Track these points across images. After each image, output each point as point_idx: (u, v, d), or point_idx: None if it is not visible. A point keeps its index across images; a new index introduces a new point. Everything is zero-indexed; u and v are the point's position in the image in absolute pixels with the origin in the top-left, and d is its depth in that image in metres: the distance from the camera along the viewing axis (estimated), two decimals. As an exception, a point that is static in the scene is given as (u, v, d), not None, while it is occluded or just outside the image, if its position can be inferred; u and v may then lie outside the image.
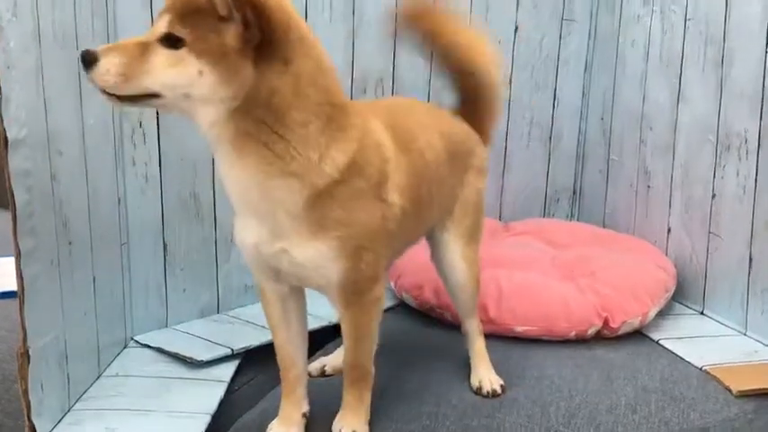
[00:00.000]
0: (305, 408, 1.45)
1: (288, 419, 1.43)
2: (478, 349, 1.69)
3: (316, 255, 1.22)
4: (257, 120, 1.13)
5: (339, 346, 1.72)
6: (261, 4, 1.09)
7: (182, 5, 1.11)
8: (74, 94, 1.51)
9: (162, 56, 1.11)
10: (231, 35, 1.10)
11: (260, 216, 1.22)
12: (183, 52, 1.10)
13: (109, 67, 1.11)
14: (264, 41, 1.11)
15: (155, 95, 1.14)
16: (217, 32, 1.10)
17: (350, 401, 1.40)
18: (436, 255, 1.64)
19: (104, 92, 1.15)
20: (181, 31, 1.10)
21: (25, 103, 1.30)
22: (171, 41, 1.11)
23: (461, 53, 1.62)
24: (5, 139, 1.25)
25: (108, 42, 1.65)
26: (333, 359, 1.70)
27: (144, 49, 1.12)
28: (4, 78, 1.24)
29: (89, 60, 1.11)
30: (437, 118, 1.60)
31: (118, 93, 1.13)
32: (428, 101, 2.40)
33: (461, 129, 1.64)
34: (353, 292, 1.30)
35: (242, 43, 1.10)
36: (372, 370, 1.41)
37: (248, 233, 1.26)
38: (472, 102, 1.67)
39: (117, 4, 1.69)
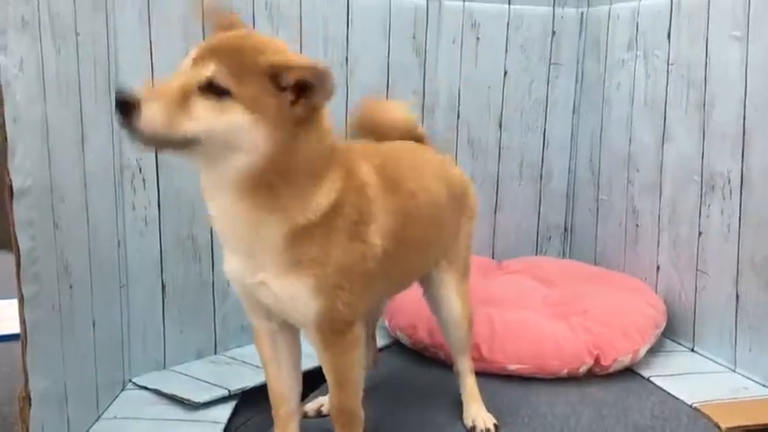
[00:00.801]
0: None
1: None
2: (470, 388, 1.72)
3: (292, 289, 1.26)
4: (271, 170, 1.18)
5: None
6: (328, 89, 1.15)
7: (233, 61, 1.13)
8: (76, 143, 1.56)
9: (207, 105, 1.12)
10: (286, 101, 1.15)
11: (245, 249, 1.26)
12: (229, 103, 1.12)
13: (154, 115, 1.09)
14: (310, 112, 1.18)
15: (193, 141, 1.14)
16: (272, 95, 1.14)
17: None
18: (430, 292, 1.67)
19: (139, 138, 1.11)
20: (228, 83, 1.12)
21: (30, 154, 1.35)
22: (214, 90, 1.12)
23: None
24: (11, 188, 1.30)
25: (110, 93, 1.71)
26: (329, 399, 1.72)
27: (185, 95, 1.11)
28: (11, 131, 1.29)
29: (130, 107, 1.08)
30: (435, 162, 1.64)
31: (160, 140, 1.12)
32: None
33: (457, 172, 1.70)
34: (331, 331, 1.32)
35: (292, 110, 1.16)
36: (361, 414, 1.42)
37: (234, 265, 1.30)
38: None
39: (118, 56, 1.75)
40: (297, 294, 1.26)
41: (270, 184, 1.19)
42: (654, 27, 2.25)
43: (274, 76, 1.14)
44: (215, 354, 2.03)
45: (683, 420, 1.71)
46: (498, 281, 2.43)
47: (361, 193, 1.32)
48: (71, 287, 1.53)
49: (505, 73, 2.56)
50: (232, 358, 2.01)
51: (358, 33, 2.24)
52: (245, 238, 1.25)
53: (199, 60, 1.14)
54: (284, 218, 1.22)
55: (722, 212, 2.01)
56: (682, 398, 1.81)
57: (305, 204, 1.23)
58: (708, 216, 2.06)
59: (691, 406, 1.77)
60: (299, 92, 1.15)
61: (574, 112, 2.65)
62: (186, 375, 1.90)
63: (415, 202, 1.44)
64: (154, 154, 1.85)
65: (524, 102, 2.60)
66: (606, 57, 2.48)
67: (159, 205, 1.88)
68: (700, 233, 2.09)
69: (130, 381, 1.86)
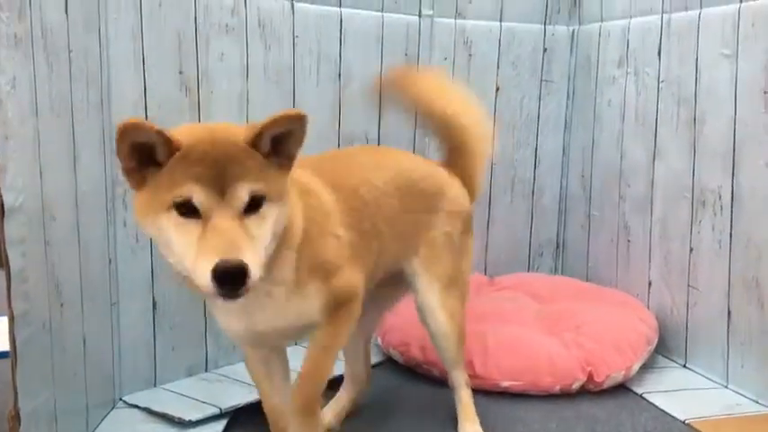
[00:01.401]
0: None
1: None
2: (465, 402, 1.71)
3: (301, 305, 1.31)
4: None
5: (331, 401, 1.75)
6: (302, 127, 1.18)
7: (246, 168, 1.12)
8: (68, 161, 1.56)
9: (255, 222, 1.12)
10: (275, 164, 1.18)
11: (253, 308, 1.28)
12: (265, 208, 1.14)
13: (257, 269, 1.07)
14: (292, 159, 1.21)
15: None
16: (279, 176, 1.18)
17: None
18: (416, 302, 1.66)
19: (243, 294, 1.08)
20: (259, 188, 1.13)
21: (22, 172, 1.34)
22: (253, 205, 1.13)
23: (446, 115, 1.70)
24: (2, 206, 1.29)
25: (102, 110, 1.71)
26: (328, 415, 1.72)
27: (242, 226, 1.10)
28: (2, 148, 1.29)
29: (243, 276, 1.04)
30: (393, 159, 1.65)
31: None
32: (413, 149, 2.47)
33: (426, 170, 1.67)
34: (334, 307, 1.35)
35: (283, 169, 1.20)
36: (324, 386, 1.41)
37: (237, 323, 1.32)
38: (457, 157, 1.73)
39: (111, 74, 1.75)
40: (306, 306, 1.32)
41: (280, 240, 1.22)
42: (644, 44, 2.27)
43: (256, 146, 1.15)
44: (206, 371, 2.02)
45: (676, 437, 1.71)
46: (491, 297, 2.43)
47: (315, 199, 1.36)
48: (62, 305, 1.52)
49: (497, 90, 2.57)
50: (223, 376, 2.00)
51: (351, 50, 2.25)
52: (254, 300, 1.24)
53: (230, 186, 1.10)
54: (290, 248, 1.26)
55: (713, 228, 2.02)
56: (674, 414, 1.82)
57: (293, 237, 1.26)
58: (699, 232, 2.07)
59: (683, 422, 1.77)
60: (275, 148, 1.18)
61: (565, 129, 2.67)
62: (177, 393, 1.89)
63: (357, 196, 1.46)
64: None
65: (516, 118, 2.61)
66: (597, 74, 2.50)
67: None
68: (691, 249, 2.10)
69: (121, 399, 1.85)
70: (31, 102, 1.39)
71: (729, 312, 1.97)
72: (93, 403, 1.70)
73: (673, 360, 2.17)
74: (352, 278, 1.39)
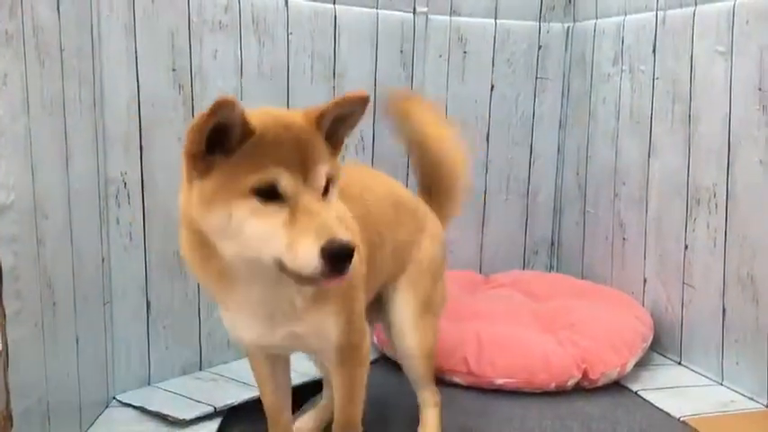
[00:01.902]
0: None
1: None
2: (430, 424, 1.65)
3: (318, 322, 1.27)
4: None
5: (314, 407, 1.74)
6: (363, 108, 1.19)
7: (322, 150, 1.14)
8: (60, 159, 1.55)
9: (332, 203, 1.14)
10: (336, 154, 1.19)
11: (272, 314, 1.24)
12: (332, 189, 1.15)
13: (353, 244, 1.06)
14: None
15: None
16: (336, 159, 1.18)
17: None
18: (387, 320, 1.59)
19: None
20: (332, 173, 1.14)
21: (13, 170, 1.33)
22: (327, 185, 1.14)
23: (433, 146, 1.71)
24: (-7, 204, 1.28)
25: (95, 109, 1.70)
26: (311, 419, 1.71)
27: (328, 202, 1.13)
28: (-7, 146, 1.28)
29: (351, 254, 1.04)
30: (381, 177, 1.66)
31: None
32: (408, 160, 2.46)
33: (409, 193, 1.70)
34: (348, 346, 1.34)
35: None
36: (361, 428, 1.45)
37: (249, 332, 1.28)
38: (436, 188, 1.73)
39: (104, 72, 1.74)
40: (322, 326, 1.28)
41: None
42: (639, 42, 2.26)
43: (319, 129, 1.15)
44: (200, 370, 2.01)
45: (671, 434, 1.71)
46: (486, 295, 2.43)
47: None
48: (54, 304, 1.51)
49: (492, 87, 2.57)
50: (217, 374, 2.00)
51: (345, 48, 2.24)
52: (276, 305, 1.23)
53: (313, 168, 1.10)
54: None
55: (708, 226, 2.02)
56: (669, 411, 1.82)
57: None
58: (694, 230, 2.07)
59: (678, 419, 1.77)
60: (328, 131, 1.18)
61: (560, 127, 2.66)
62: (171, 392, 1.88)
63: (363, 203, 1.46)
64: (139, 169, 1.84)
65: (511, 116, 2.61)
66: (592, 71, 2.49)
67: (144, 221, 1.86)
68: (686, 247, 2.10)
69: (114, 398, 1.84)
70: (23, 99, 1.38)
71: (724, 310, 1.97)
72: (87, 402, 1.69)
73: (668, 357, 2.17)
74: (362, 320, 1.38)
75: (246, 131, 1.08)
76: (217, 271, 1.17)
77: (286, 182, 1.07)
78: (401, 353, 1.61)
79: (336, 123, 1.18)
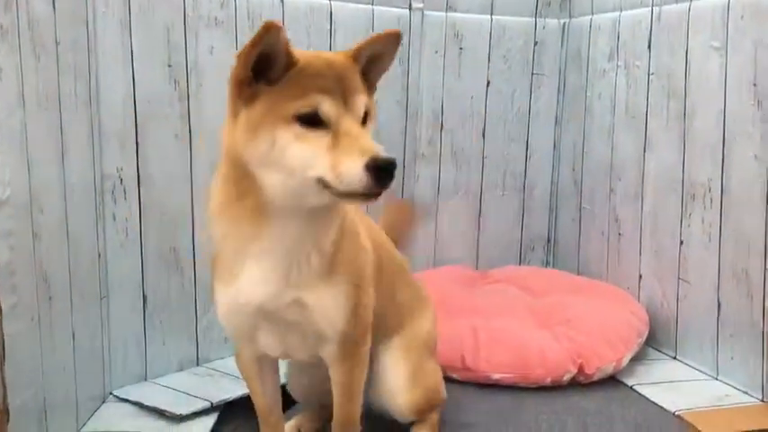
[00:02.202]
0: None
1: None
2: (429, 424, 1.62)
3: (327, 297, 1.28)
4: None
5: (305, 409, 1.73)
6: (395, 48, 1.27)
7: (360, 82, 1.19)
8: (56, 153, 1.55)
9: (368, 131, 1.18)
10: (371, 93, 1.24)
11: (286, 270, 1.24)
12: (369, 125, 1.20)
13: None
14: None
15: None
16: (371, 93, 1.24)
17: None
18: (375, 377, 1.53)
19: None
20: (369, 105, 1.20)
21: (9, 164, 1.34)
22: (363, 119, 1.18)
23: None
24: (-11, 199, 1.28)
25: (90, 104, 1.70)
26: (308, 420, 1.71)
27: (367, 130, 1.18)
28: (-11, 140, 1.28)
29: (395, 168, 1.09)
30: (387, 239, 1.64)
31: None
32: (403, 151, 2.47)
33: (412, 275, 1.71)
34: (352, 340, 1.34)
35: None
36: (359, 428, 1.45)
37: (258, 293, 1.26)
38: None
39: (99, 67, 1.74)
40: (331, 302, 1.28)
41: None
42: (634, 37, 2.27)
43: (356, 63, 1.20)
44: (197, 366, 2.02)
45: (666, 428, 1.72)
46: (482, 291, 2.43)
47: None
48: (50, 299, 1.52)
49: (488, 83, 2.57)
50: (214, 370, 2.00)
51: (341, 44, 2.24)
52: (296, 257, 1.24)
53: (353, 97, 1.16)
54: (337, 221, 1.27)
55: (703, 221, 2.02)
56: (664, 406, 1.82)
57: (338, 213, 1.28)
58: (689, 225, 2.08)
59: (673, 414, 1.78)
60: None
61: (556, 123, 2.67)
62: (168, 387, 1.88)
63: (376, 243, 1.48)
64: (135, 165, 1.84)
65: (507, 112, 2.61)
66: (588, 67, 2.50)
67: (140, 216, 1.86)
68: (681, 242, 2.11)
69: (111, 393, 1.84)
70: (18, 94, 1.38)
71: (719, 305, 1.97)
72: (83, 397, 1.69)
73: (663, 352, 2.18)
74: (369, 312, 1.38)
75: (290, 62, 1.13)
76: (250, 210, 1.20)
77: (328, 107, 1.12)
78: (396, 412, 1.56)
79: (370, 64, 1.23)
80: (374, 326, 1.43)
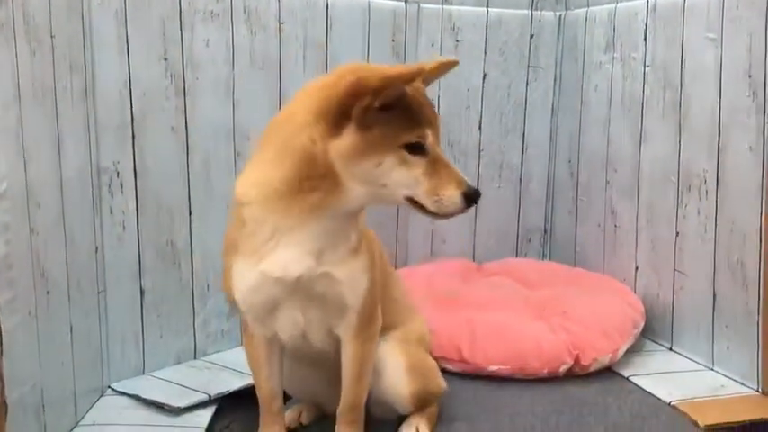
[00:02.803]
0: None
1: None
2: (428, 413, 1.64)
3: (353, 271, 1.38)
4: None
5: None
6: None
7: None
8: (52, 147, 1.55)
9: None
10: None
11: (321, 251, 1.34)
12: None
13: None
14: None
15: None
16: None
17: None
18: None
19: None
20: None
21: (5, 158, 1.33)
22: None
23: None
24: (-15, 193, 1.28)
25: (86, 98, 1.70)
26: (308, 407, 1.72)
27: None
28: (-15, 134, 1.28)
29: (479, 196, 1.29)
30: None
31: None
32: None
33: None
34: (367, 314, 1.42)
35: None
36: (363, 414, 1.48)
37: (296, 268, 1.34)
38: None
39: (95, 60, 1.74)
40: (356, 275, 1.39)
41: None
42: (630, 29, 2.27)
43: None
44: (194, 359, 2.02)
45: (662, 418, 1.73)
46: (478, 283, 2.44)
47: None
48: (48, 293, 1.52)
49: (484, 76, 2.57)
50: (212, 363, 2.00)
51: (337, 36, 2.24)
52: (327, 244, 1.35)
53: (438, 130, 1.32)
54: (363, 215, 1.40)
55: (699, 213, 2.03)
56: (660, 396, 1.83)
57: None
58: (685, 216, 2.09)
59: (669, 404, 1.79)
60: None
61: (552, 115, 2.67)
62: (166, 381, 1.88)
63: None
64: (132, 158, 1.84)
65: (503, 104, 2.61)
66: (584, 59, 2.50)
67: (137, 210, 1.86)
68: (677, 233, 2.11)
69: (109, 387, 1.85)
70: (14, 88, 1.37)
71: (715, 295, 1.98)
72: (82, 391, 1.70)
73: (659, 343, 2.19)
74: (377, 301, 1.47)
75: (402, 93, 1.28)
76: (310, 204, 1.30)
77: (431, 138, 1.29)
78: (396, 403, 1.58)
79: None
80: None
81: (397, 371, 1.55)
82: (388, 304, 1.58)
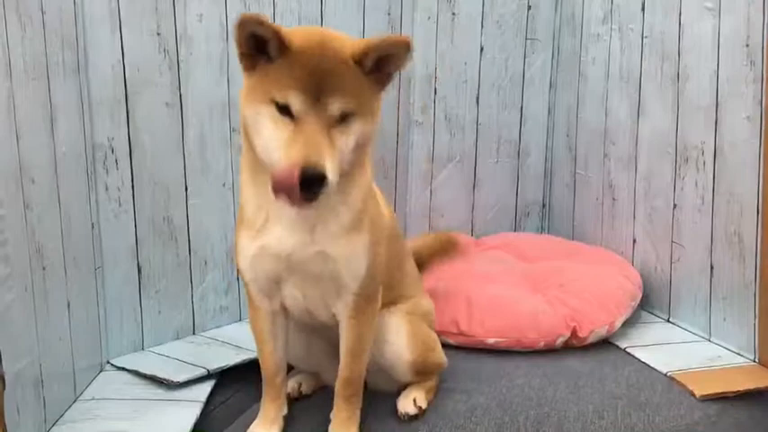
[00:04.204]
0: (285, 411, 1.54)
1: (270, 420, 1.51)
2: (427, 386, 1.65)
3: (350, 249, 1.35)
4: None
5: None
6: (405, 55, 1.26)
7: (345, 86, 1.20)
8: (45, 123, 1.54)
9: (338, 133, 1.20)
10: (373, 86, 1.25)
11: (312, 227, 1.32)
12: (352, 122, 1.22)
13: (335, 175, 1.17)
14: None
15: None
16: (369, 90, 1.25)
17: (343, 418, 1.47)
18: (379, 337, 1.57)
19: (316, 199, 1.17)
20: (351, 106, 1.21)
21: (-3, 134, 1.33)
22: (341, 118, 1.21)
23: None
24: (-23, 169, 1.28)
25: (78, 73, 1.69)
26: (308, 378, 1.73)
27: (328, 134, 1.19)
28: (-24, 110, 1.28)
29: (320, 180, 1.14)
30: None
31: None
32: (397, 121, 2.46)
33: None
34: (366, 294, 1.40)
35: (379, 91, 1.28)
36: (362, 389, 1.49)
37: (287, 244, 1.33)
38: None
39: (87, 35, 1.73)
40: (353, 254, 1.35)
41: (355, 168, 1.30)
42: (628, 0, 2.25)
43: (359, 63, 1.22)
44: (193, 334, 2.03)
45: (659, 389, 1.73)
46: (477, 257, 2.43)
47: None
48: (44, 269, 1.52)
49: (482, 49, 2.55)
50: (211, 338, 2.01)
51: (332, 10, 2.22)
52: (314, 218, 1.31)
53: (325, 98, 1.19)
54: (360, 189, 1.34)
55: (696, 185, 2.02)
56: (657, 367, 1.84)
57: (366, 174, 1.36)
58: (682, 189, 2.08)
59: (666, 375, 1.80)
60: (376, 65, 1.24)
61: (550, 88, 2.65)
62: (164, 356, 1.90)
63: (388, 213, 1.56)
64: (126, 134, 1.83)
65: (501, 78, 2.59)
66: (582, 31, 2.48)
67: (133, 186, 1.86)
68: (675, 206, 2.11)
69: (108, 362, 1.86)
70: (5, 64, 1.37)
71: (712, 267, 1.98)
72: (80, 366, 1.71)
73: (656, 315, 2.19)
74: (381, 271, 1.44)
75: (283, 47, 1.20)
76: (262, 169, 1.27)
77: (297, 105, 1.18)
78: (397, 371, 1.58)
79: (383, 60, 1.25)
80: (388, 282, 1.52)
81: (400, 338, 1.55)
82: (401, 277, 1.59)
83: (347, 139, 1.21)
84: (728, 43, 1.89)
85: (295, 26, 2.00)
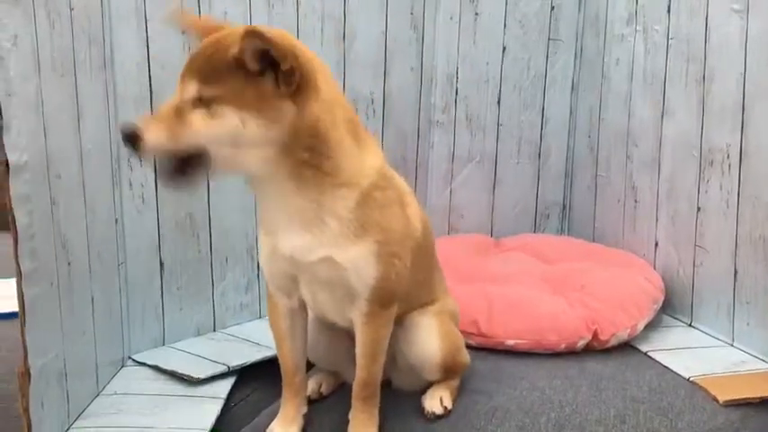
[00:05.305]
0: (304, 410, 1.54)
1: (290, 419, 1.51)
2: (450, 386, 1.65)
3: (358, 256, 1.32)
4: (308, 147, 1.25)
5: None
6: (298, 55, 1.21)
7: (206, 70, 1.20)
8: (72, 119, 1.56)
9: (200, 115, 1.20)
10: (268, 84, 1.20)
11: (309, 229, 1.31)
12: (218, 108, 1.20)
13: (156, 136, 1.19)
14: (301, 81, 1.21)
15: (201, 151, 1.22)
16: (252, 85, 1.20)
17: (362, 419, 1.47)
18: (407, 336, 1.56)
19: (149, 157, 1.25)
20: (213, 92, 1.20)
21: (26, 130, 1.34)
22: (204, 102, 1.20)
23: None
24: (7, 164, 1.29)
25: (105, 69, 1.70)
26: (328, 378, 1.73)
27: (180, 112, 1.21)
28: (5, 106, 1.29)
29: (134, 139, 1.19)
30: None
31: (169, 154, 1.21)
32: (418, 121, 2.46)
33: None
34: (379, 302, 1.38)
35: (279, 88, 1.20)
36: (379, 390, 1.49)
37: (288, 246, 1.33)
38: None
39: (113, 32, 1.74)
40: (362, 262, 1.33)
41: (314, 163, 1.26)
42: (653, 1, 2.23)
43: (242, 65, 1.19)
44: (214, 331, 2.04)
45: (681, 393, 1.72)
46: (497, 258, 2.43)
47: (395, 179, 1.42)
48: (69, 264, 1.53)
49: (504, 49, 2.54)
50: (231, 335, 2.02)
51: (355, 9, 2.22)
52: (312, 221, 1.30)
53: (185, 79, 1.23)
54: (351, 190, 1.29)
55: (721, 188, 2.00)
56: (679, 372, 1.82)
57: (362, 166, 1.31)
58: (707, 191, 2.06)
59: (688, 379, 1.78)
60: (274, 66, 1.19)
61: (573, 89, 2.64)
62: (186, 352, 1.90)
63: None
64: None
65: (523, 78, 2.58)
66: (605, 32, 2.46)
67: (156, 184, 1.87)
68: (698, 209, 2.09)
69: (130, 357, 1.87)
70: (34, 60, 1.38)
71: (736, 271, 1.96)
72: (103, 361, 1.72)
73: (678, 319, 2.17)
74: (402, 281, 1.40)
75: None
76: None
77: (177, 87, 1.24)
78: (427, 370, 1.58)
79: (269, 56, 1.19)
80: (416, 293, 1.52)
81: (431, 337, 1.55)
82: (429, 288, 1.59)
83: (208, 123, 1.20)
84: (756, 45, 1.87)
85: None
